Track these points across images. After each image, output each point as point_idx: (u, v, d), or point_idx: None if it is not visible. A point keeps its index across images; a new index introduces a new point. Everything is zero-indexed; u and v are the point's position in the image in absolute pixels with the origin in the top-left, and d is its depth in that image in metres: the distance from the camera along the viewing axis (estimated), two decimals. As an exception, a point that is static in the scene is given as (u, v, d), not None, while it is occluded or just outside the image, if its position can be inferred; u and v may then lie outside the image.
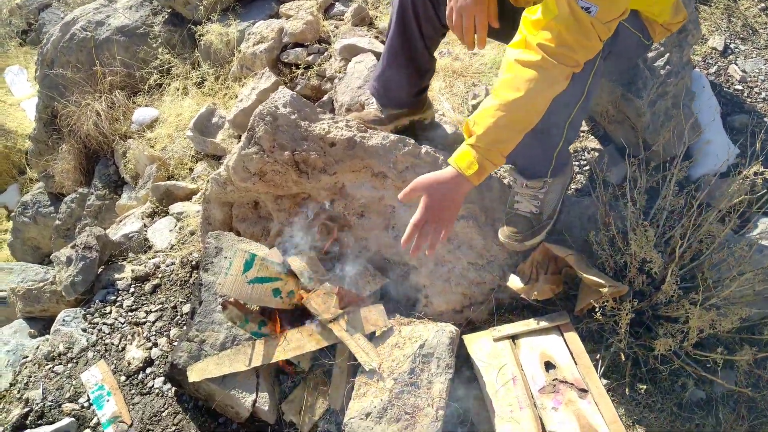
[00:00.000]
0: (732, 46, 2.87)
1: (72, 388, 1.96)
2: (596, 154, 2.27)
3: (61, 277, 2.28)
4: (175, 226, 2.57)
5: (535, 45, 1.37)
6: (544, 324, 1.83)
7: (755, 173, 2.06)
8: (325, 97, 2.69)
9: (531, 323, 1.84)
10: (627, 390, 1.77)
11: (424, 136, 2.20)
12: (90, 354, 2.05)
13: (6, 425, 1.86)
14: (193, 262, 2.26)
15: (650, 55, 2.14)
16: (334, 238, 1.92)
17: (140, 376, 1.95)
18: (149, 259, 2.39)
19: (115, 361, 2.01)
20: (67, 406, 1.90)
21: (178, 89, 3.37)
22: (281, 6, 3.17)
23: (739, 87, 2.68)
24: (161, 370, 1.94)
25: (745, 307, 1.66)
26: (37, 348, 2.12)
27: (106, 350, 2.05)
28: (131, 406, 1.88)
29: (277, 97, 1.93)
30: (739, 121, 2.47)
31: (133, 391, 1.91)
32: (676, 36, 2.18)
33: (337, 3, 3.13)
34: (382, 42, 2.80)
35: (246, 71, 3.02)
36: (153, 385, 1.91)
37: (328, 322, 1.75)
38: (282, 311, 1.84)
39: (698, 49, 2.81)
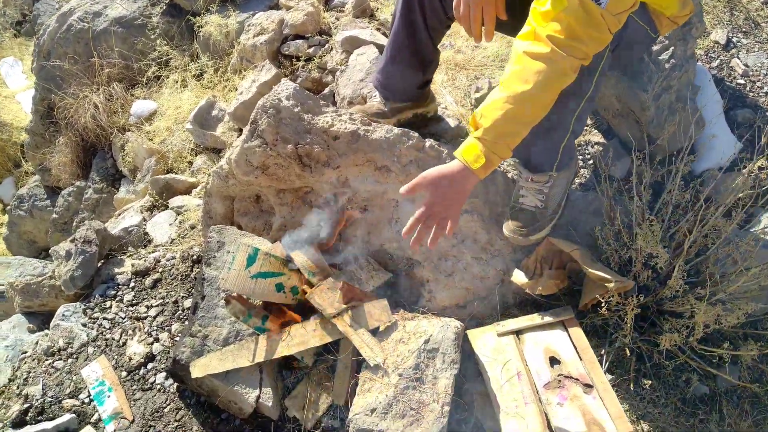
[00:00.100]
0: (734, 39, 2.86)
1: (72, 383, 1.94)
2: (600, 148, 2.26)
3: (61, 271, 2.25)
4: (175, 219, 2.54)
5: (545, 37, 1.35)
6: (548, 319, 1.82)
7: (759, 168, 2.06)
8: (327, 90, 2.66)
9: (535, 318, 1.83)
10: (631, 385, 1.77)
11: (426, 130, 2.18)
12: (90, 349, 2.03)
13: (5, 421, 1.85)
14: (194, 257, 2.24)
15: (655, 48, 2.12)
16: (340, 229, 1.90)
17: (141, 371, 1.93)
18: (149, 253, 2.37)
19: (115, 357, 1.99)
20: (68, 402, 1.88)
21: (177, 81, 3.33)
22: (281, -3, 3.14)
23: (742, 81, 2.67)
24: (163, 366, 1.93)
25: (751, 302, 1.65)
26: (37, 343, 2.10)
27: (106, 345, 2.03)
28: (132, 402, 1.86)
29: (280, 89, 1.90)
30: (741, 116, 2.46)
31: (134, 387, 1.90)
32: (681, 29, 2.16)
33: (337, -6, 3.10)
34: (384, 34, 2.78)
35: (246, 63, 2.98)
36: (155, 381, 1.90)
37: (331, 318, 1.73)
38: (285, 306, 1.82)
39: (701, 42, 2.79)
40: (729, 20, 2.97)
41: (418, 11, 1.79)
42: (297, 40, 2.86)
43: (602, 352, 1.80)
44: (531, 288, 1.83)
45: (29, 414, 1.86)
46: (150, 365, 1.94)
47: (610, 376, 1.76)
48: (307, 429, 1.71)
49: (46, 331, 2.21)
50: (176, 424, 1.78)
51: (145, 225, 2.60)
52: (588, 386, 1.66)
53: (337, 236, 1.92)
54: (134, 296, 2.18)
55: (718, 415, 1.76)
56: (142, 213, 2.73)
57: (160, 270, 2.25)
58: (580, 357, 1.72)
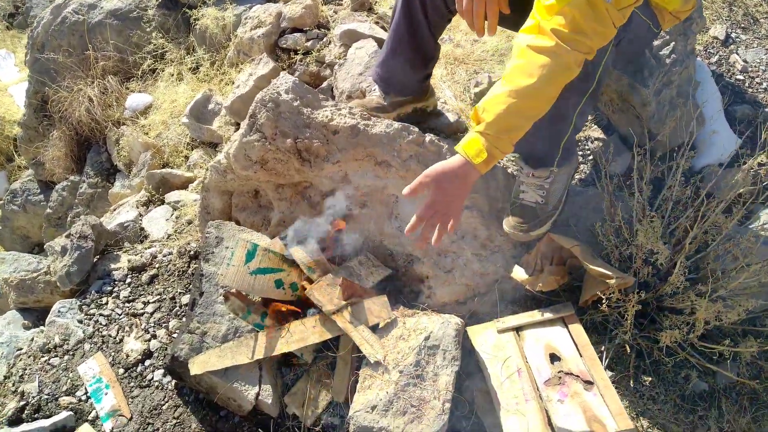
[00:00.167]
0: (733, 35, 2.85)
1: (69, 380, 1.92)
2: (600, 143, 2.25)
3: (56, 267, 2.23)
4: (172, 215, 2.52)
5: (549, 30, 1.33)
6: (548, 316, 1.81)
7: (759, 164, 2.05)
8: (325, 84, 2.64)
9: (535, 315, 1.83)
10: (631, 382, 1.77)
11: (426, 125, 2.16)
12: (87, 346, 2.01)
13: (2, 419, 1.83)
14: (191, 252, 2.22)
15: (656, 43, 2.11)
16: (339, 227, 1.88)
17: (139, 368, 1.91)
18: (145, 248, 2.35)
19: (112, 354, 1.97)
20: (65, 400, 1.86)
21: (173, 75, 3.30)
22: (278, -10, 3.11)
23: (741, 77, 2.66)
24: (161, 363, 1.91)
25: (751, 298, 1.65)
26: (32, 340, 2.07)
27: (103, 342, 2.01)
28: (130, 399, 1.84)
29: (279, 83, 1.88)
30: (740, 112, 2.45)
31: (131, 384, 1.88)
32: (681, 24, 2.15)
33: (335, -12, 3.07)
34: (383, 27, 2.75)
35: (243, 57, 2.96)
36: (152, 378, 1.88)
37: (331, 314, 1.72)
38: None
39: (700, 38, 2.79)
40: (728, 16, 2.96)
41: (419, 5, 1.77)
42: (295, 34, 2.83)
43: (602, 348, 1.80)
44: (531, 284, 1.82)
45: (25, 411, 1.84)
46: (147, 362, 1.92)
47: (609, 373, 1.76)
48: (306, 426, 1.70)
49: (42, 327, 2.18)
50: (175, 421, 1.77)
51: (141, 220, 2.58)
52: (588, 383, 1.65)
53: (337, 230, 1.91)
54: (131, 292, 2.16)
55: (717, 411, 1.76)
56: (137, 208, 2.70)
57: (157, 266, 2.23)
58: (580, 354, 1.72)
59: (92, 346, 2.01)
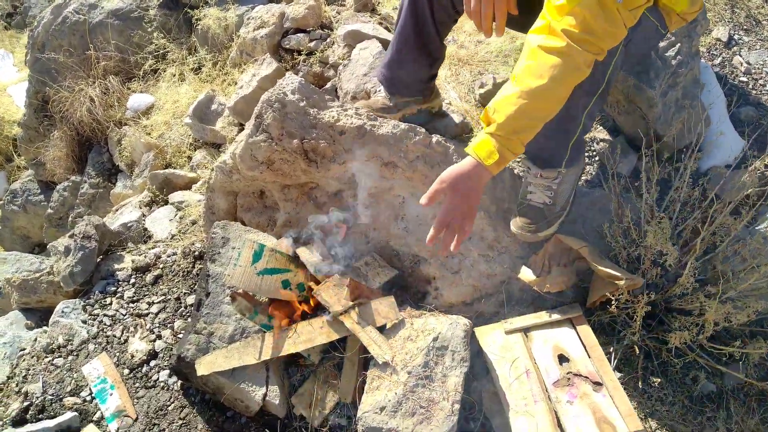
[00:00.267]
0: (736, 37, 2.86)
1: (73, 381, 1.91)
2: (606, 145, 2.25)
3: (59, 267, 2.22)
4: (175, 215, 2.51)
5: (560, 31, 1.33)
6: (556, 317, 1.81)
7: (766, 166, 2.05)
8: (328, 85, 2.64)
9: (543, 316, 1.82)
10: (639, 383, 1.77)
11: (431, 126, 2.16)
12: (91, 346, 1.99)
13: (5, 419, 1.81)
14: (196, 253, 2.21)
15: (661, 44, 2.12)
16: (347, 227, 1.88)
17: (144, 369, 1.90)
18: (149, 249, 2.34)
19: (117, 354, 1.96)
20: (69, 400, 1.85)
21: (175, 75, 3.29)
22: (281, -10, 3.10)
23: (744, 79, 2.67)
24: (166, 363, 1.90)
25: (760, 299, 1.65)
26: (35, 340, 2.06)
27: (107, 342, 2.00)
28: (136, 400, 1.83)
29: (285, 83, 1.88)
30: (744, 114, 2.46)
31: (137, 385, 1.87)
32: (686, 26, 2.15)
33: (338, -12, 3.07)
34: (386, 28, 2.75)
35: (246, 57, 2.95)
36: (158, 379, 1.87)
37: (338, 315, 1.71)
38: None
39: (703, 40, 2.79)
40: (730, 18, 2.97)
41: (426, 5, 1.76)
42: (298, 34, 2.83)
43: (610, 349, 1.80)
44: (539, 285, 1.82)
45: (30, 412, 1.83)
46: (153, 363, 1.91)
47: (618, 374, 1.75)
48: (314, 427, 1.69)
49: (45, 327, 2.17)
50: (181, 422, 1.76)
51: (145, 220, 2.56)
52: (597, 384, 1.65)
53: (346, 230, 1.90)
54: (135, 293, 2.14)
55: (726, 412, 1.76)
56: (141, 208, 2.69)
57: (161, 266, 2.22)
58: (588, 355, 1.72)
59: (96, 346, 1.99)
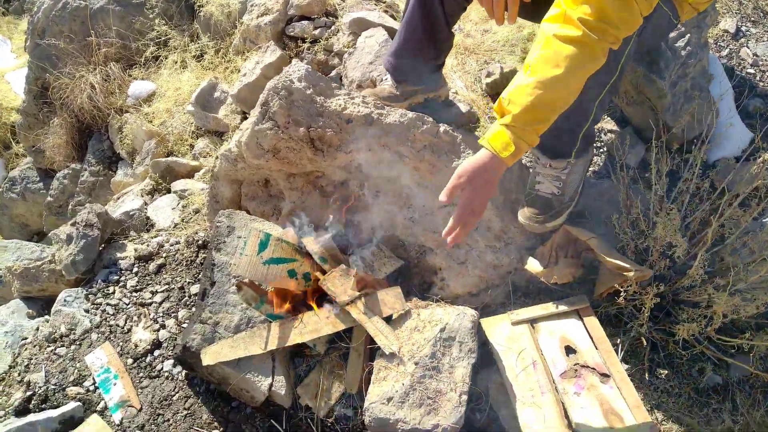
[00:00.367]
0: (743, 29, 2.83)
1: (76, 371, 1.89)
2: (613, 135, 2.23)
3: (61, 255, 2.20)
4: (178, 203, 2.49)
5: (576, 19, 1.31)
6: (563, 308, 1.80)
7: (775, 158, 2.04)
8: (333, 73, 2.60)
9: (549, 307, 1.81)
10: (646, 375, 1.76)
11: (437, 115, 2.13)
12: (94, 336, 1.98)
13: (8, 409, 1.80)
14: (200, 242, 2.19)
15: (671, 35, 2.09)
16: (348, 206, 1.86)
17: (148, 358, 1.89)
18: (152, 238, 2.31)
19: (120, 344, 1.94)
20: (72, 390, 1.84)
21: (176, 62, 3.25)
22: (285, -23, 3.05)
23: (752, 71, 2.65)
24: (171, 353, 1.88)
25: (768, 292, 1.65)
26: (37, 329, 2.04)
27: (110, 332, 1.98)
28: (140, 390, 1.82)
29: (291, 70, 1.85)
30: (753, 105, 2.44)
31: (141, 375, 1.85)
32: (696, 17, 2.13)
33: (342, -25, 3.03)
34: (392, 16, 2.72)
35: (249, 44, 2.91)
36: (162, 368, 1.86)
37: (345, 305, 1.70)
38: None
39: (710, 31, 2.77)
40: (738, 9, 2.94)
41: (435, -7, 1.74)
42: (302, 21, 2.79)
43: (617, 341, 1.79)
44: (546, 276, 1.81)
45: (32, 402, 1.81)
46: (157, 352, 1.90)
47: (625, 366, 1.75)
48: (319, 417, 1.69)
49: (47, 316, 2.15)
50: (185, 412, 1.75)
51: (147, 209, 2.54)
52: (605, 375, 1.65)
53: (346, 209, 1.89)
54: (138, 282, 2.13)
55: (731, 404, 1.76)
56: (143, 197, 2.66)
57: (164, 255, 2.20)
58: (595, 346, 1.71)
59: (99, 336, 1.98)
